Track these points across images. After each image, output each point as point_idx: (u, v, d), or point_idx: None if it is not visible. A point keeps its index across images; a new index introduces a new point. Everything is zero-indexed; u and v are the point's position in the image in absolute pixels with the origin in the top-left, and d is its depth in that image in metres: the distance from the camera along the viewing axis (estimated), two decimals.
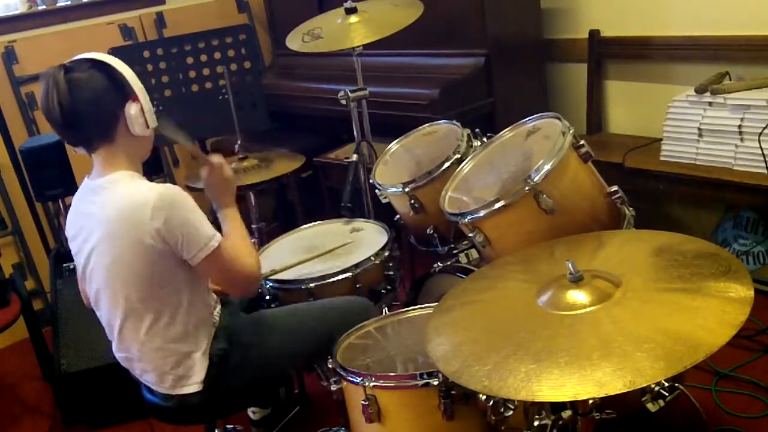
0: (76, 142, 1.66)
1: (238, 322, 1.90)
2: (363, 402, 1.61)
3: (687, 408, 1.93)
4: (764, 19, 2.69)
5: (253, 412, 2.35)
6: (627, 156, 2.87)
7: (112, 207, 1.62)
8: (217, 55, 3.27)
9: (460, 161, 2.06)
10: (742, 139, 2.56)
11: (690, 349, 1.11)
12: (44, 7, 3.53)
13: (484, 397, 1.37)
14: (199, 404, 1.77)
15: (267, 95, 3.46)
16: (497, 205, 1.74)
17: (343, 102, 2.45)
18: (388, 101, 3.05)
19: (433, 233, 2.14)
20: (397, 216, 2.32)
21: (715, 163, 2.65)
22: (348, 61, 2.54)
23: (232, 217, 1.83)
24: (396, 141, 2.41)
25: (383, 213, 2.42)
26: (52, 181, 2.91)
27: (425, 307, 1.90)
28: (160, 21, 3.81)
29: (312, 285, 2.07)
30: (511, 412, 1.39)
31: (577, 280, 1.34)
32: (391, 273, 2.20)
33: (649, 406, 1.23)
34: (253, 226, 2.74)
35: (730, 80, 2.74)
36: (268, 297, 2.15)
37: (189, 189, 2.49)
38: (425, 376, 1.56)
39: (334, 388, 1.72)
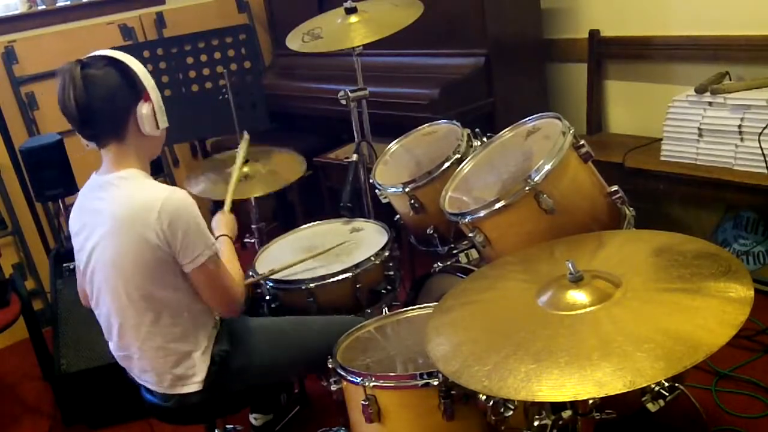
0: (90, 137, 1.68)
1: (242, 325, 1.90)
2: (363, 402, 1.61)
3: (687, 408, 1.93)
4: (764, 19, 2.69)
5: (255, 418, 2.35)
6: (627, 156, 2.87)
7: (120, 204, 1.63)
8: (217, 55, 3.27)
9: (460, 161, 2.06)
10: (742, 139, 2.56)
11: (690, 349, 1.11)
12: (44, 7, 3.54)
13: (484, 397, 1.37)
14: (198, 404, 1.77)
15: (267, 95, 3.46)
16: (497, 205, 1.74)
17: (343, 102, 2.45)
18: (388, 101, 3.05)
19: (433, 233, 2.14)
20: (397, 216, 2.32)
21: (715, 163, 2.65)
22: (348, 61, 2.54)
23: (227, 245, 1.91)
24: (396, 141, 2.41)
25: (383, 213, 2.42)
26: (52, 181, 2.91)
27: (425, 307, 1.90)
28: (160, 21, 3.81)
29: (312, 285, 2.07)
30: (511, 412, 1.39)
31: (577, 280, 1.34)
32: (391, 273, 2.20)
33: (649, 406, 1.22)
34: (253, 226, 2.73)
35: (730, 80, 2.74)
36: (268, 297, 2.15)
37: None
38: (425, 376, 1.56)
39: (334, 388, 1.72)
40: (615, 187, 1.82)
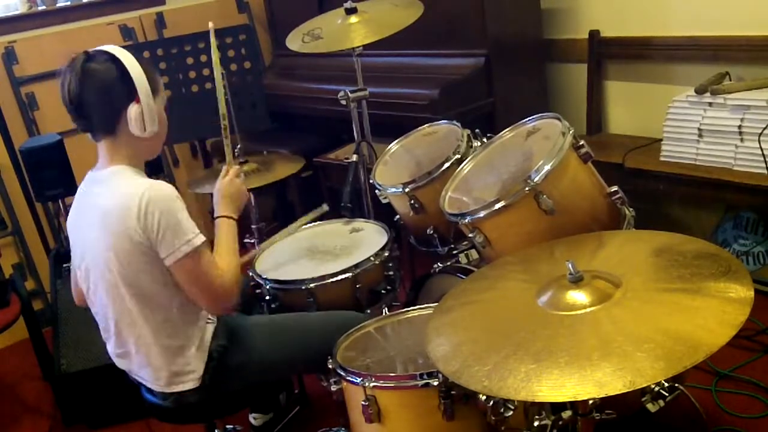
0: (84, 128, 1.69)
1: (241, 321, 1.90)
2: (363, 402, 1.60)
3: (687, 408, 1.93)
4: (764, 19, 2.69)
5: (254, 418, 2.35)
6: (627, 156, 2.87)
7: (106, 199, 1.64)
8: None
9: (460, 161, 2.06)
10: (742, 140, 2.56)
11: (690, 349, 1.11)
12: (44, 7, 3.54)
13: (484, 397, 1.37)
14: (197, 403, 1.77)
15: (267, 95, 3.46)
16: (497, 206, 1.74)
17: (343, 102, 2.45)
18: (388, 101, 3.05)
19: (433, 233, 2.14)
20: (397, 216, 2.32)
21: (715, 163, 2.65)
22: (348, 61, 2.54)
23: (226, 230, 1.83)
24: (396, 141, 2.41)
25: (383, 213, 2.42)
26: (52, 181, 2.92)
27: (425, 308, 1.89)
28: (160, 21, 3.81)
29: (312, 285, 2.06)
30: (511, 413, 1.39)
31: (577, 281, 1.34)
32: (391, 273, 2.20)
33: (649, 406, 1.22)
34: (253, 226, 2.73)
35: (730, 80, 2.74)
36: (267, 297, 2.14)
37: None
38: (425, 377, 1.56)
39: (334, 388, 1.71)
40: (615, 188, 1.82)
